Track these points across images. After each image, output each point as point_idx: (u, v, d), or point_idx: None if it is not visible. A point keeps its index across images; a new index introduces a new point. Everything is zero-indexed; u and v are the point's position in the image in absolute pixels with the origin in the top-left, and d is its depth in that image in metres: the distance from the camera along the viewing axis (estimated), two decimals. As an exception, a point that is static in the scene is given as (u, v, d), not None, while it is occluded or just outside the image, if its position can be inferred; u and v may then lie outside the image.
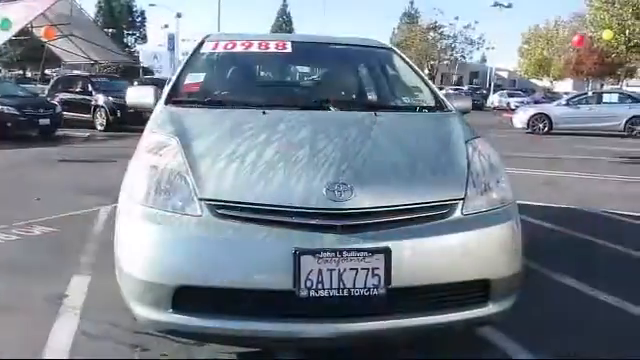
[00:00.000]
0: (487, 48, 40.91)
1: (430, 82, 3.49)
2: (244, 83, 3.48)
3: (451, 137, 2.72)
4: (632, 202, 6.35)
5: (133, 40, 54.19)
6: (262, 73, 3.72)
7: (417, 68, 3.60)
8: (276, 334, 2.14)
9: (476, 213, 2.32)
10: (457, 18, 41.00)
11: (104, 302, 3.08)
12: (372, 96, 3.54)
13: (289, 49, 3.57)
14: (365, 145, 2.50)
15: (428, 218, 2.25)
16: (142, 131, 2.77)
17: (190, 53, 3.54)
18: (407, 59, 3.71)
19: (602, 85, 35.82)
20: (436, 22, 39.77)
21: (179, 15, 42.82)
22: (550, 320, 3.04)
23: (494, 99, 40.53)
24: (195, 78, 3.30)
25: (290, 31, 70.88)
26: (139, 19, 55.49)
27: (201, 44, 3.62)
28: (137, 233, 2.23)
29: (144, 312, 2.24)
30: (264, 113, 2.76)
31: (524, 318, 2.74)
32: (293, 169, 2.29)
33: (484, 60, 62.55)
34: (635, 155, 11.70)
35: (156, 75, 28.60)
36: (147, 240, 2.19)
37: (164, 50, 44.04)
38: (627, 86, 34.10)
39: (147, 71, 27.00)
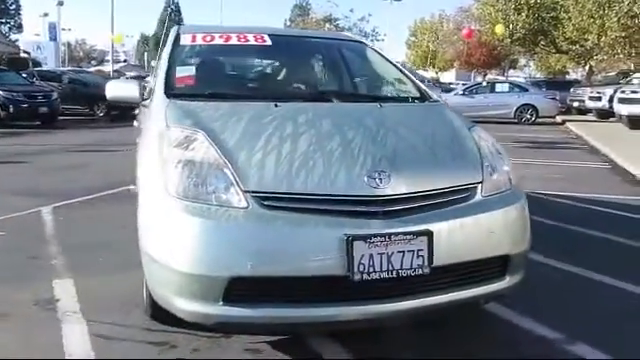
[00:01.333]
0: (377, 40, 42.14)
1: (409, 73, 3.67)
2: (242, 76, 3.47)
3: (454, 125, 2.91)
4: (544, 183, 6.95)
5: (7, 29, 50.15)
6: (254, 66, 3.71)
7: (392, 60, 3.78)
8: (332, 318, 2.22)
9: (492, 195, 2.53)
10: (352, 10, 41.99)
11: (101, 304, 3.01)
12: (366, 88, 3.65)
13: (269, 42, 3.60)
14: (388, 134, 2.63)
15: (456, 201, 2.42)
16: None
17: (170, 46, 3.45)
18: (380, 52, 3.87)
19: (485, 75, 38.19)
20: (331, 14, 40.35)
21: (61, 3, 40.24)
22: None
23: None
24: (184, 71, 3.24)
25: (179, 21, 69.19)
26: (13, 7, 51.42)
27: (177, 37, 3.56)
28: (182, 228, 2.20)
29: (190, 306, 2.22)
30: (276, 106, 2.79)
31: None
32: (331, 159, 2.37)
33: (375, 52, 64.27)
34: (532, 140, 12.74)
35: (45, 67, 26.69)
36: (195, 234, 2.17)
37: (45, 40, 41.27)
38: (507, 77, 36.76)
39: (35, 63, 25.13)
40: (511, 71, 44.48)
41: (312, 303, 2.21)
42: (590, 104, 19.31)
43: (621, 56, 24.52)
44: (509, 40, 25.26)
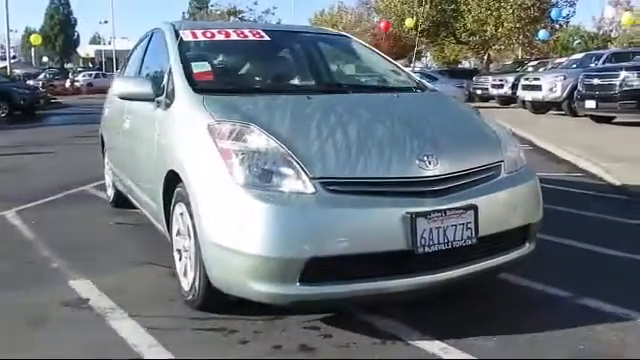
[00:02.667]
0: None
1: (398, 64, 3.93)
2: (258, 71, 3.57)
3: (465, 111, 3.21)
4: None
5: None
6: (265, 61, 3.80)
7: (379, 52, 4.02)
8: (399, 289, 2.43)
9: (513, 172, 2.85)
10: (256, 3, 41.95)
11: (133, 300, 3.02)
12: (375, 79, 3.85)
13: (266, 37, 3.73)
14: (420, 121, 2.87)
15: (488, 178, 2.72)
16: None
17: (174, 43, 3.46)
18: (366, 44, 4.10)
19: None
20: (235, 7, 40.14)
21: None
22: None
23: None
24: (200, 67, 3.30)
25: (69, 15, 65.58)
26: None
27: (176, 33, 3.59)
28: (259, 215, 2.32)
29: (268, 288, 2.36)
30: (309, 98, 2.95)
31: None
32: (382, 145, 2.58)
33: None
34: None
35: None
36: (273, 220, 2.30)
37: None
38: (414, 67, 38.16)
39: None
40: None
41: (380, 277, 2.42)
42: (493, 91, 20.61)
43: (516, 45, 26.34)
44: (414, 32, 26.38)
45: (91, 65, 65.16)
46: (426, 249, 2.41)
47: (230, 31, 3.72)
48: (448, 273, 2.52)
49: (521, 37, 25.08)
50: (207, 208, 2.51)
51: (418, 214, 2.39)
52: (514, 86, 18.47)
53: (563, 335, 2.59)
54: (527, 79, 16.26)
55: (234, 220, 2.39)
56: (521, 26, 24.37)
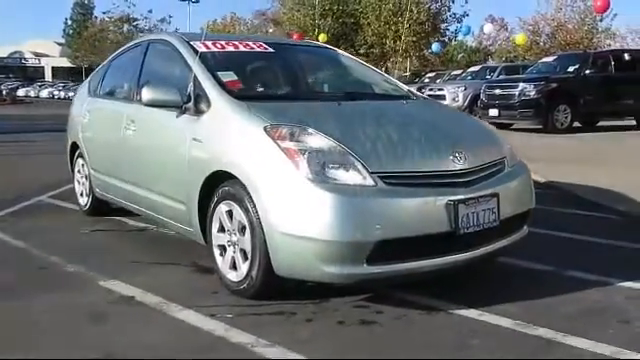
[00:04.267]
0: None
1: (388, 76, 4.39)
2: (280, 80, 3.84)
3: (463, 114, 3.72)
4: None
5: None
6: (283, 71, 4.06)
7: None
8: (445, 265, 2.87)
9: (513, 166, 3.38)
10: (151, 11, 41.14)
11: (178, 294, 3.18)
12: (379, 88, 4.22)
13: (270, 49, 4.05)
14: (440, 123, 3.34)
15: (499, 171, 3.22)
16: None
17: (191, 53, 3.67)
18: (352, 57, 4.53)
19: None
20: (129, 14, 39.04)
21: None
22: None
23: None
24: (227, 76, 3.54)
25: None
26: None
27: (189, 44, 3.81)
28: (331, 205, 2.65)
29: (338, 269, 2.70)
30: (339, 104, 3.32)
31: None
32: (421, 144, 3.02)
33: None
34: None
35: None
36: (344, 209, 2.65)
37: None
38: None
39: None
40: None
41: (430, 255, 2.83)
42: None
43: (413, 58, 28.01)
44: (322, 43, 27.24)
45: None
46: (465, 230, 2.86)
47: (236, 42, 3.99)
48: (478, 251, 2.99)
49: (417, 51, 26.76)
50: (275, 202, 2.79)
51: (459, 201, 2.83)
52: (417, 96, 19.69)
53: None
54: (432, 89, 17.47)
55: (306, 211, 2.70)
56: (417, 40, 26.06)
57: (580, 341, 2.59)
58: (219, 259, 3.25)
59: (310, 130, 2.89)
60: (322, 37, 25.73)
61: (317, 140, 2.85)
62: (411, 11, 25.19)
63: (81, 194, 5.30)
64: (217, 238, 3.25)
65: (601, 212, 5.19)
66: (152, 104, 3.52)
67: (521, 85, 12.91)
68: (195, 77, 3.49)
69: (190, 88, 3.48)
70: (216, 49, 3.84)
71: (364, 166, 2.77)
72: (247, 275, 3.01)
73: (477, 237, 2.95)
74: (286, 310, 2.97)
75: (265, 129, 2.94)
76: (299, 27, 27.84)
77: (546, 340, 2.63)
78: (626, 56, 13.61)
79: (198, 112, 3.40)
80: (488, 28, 30.33)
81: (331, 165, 2.76)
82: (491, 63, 40.61)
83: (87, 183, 5.10)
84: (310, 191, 2.70)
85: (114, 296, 3.22)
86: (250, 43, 4.05)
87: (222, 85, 3.39)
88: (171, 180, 3.61)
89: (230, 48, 3.90)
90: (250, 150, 2.97)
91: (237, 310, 2.98)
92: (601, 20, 33.82)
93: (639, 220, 4.87)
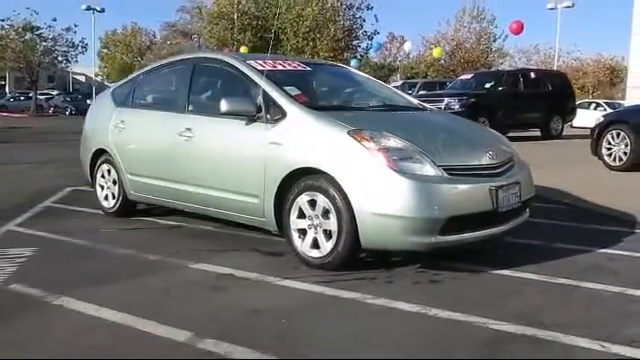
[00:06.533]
0: (84, 52, 40.65)
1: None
2: (329, 93, 4.60)
3: (473, 122, 4.67)
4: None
5: None
6: (326, 85, 4.81)
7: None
8: (488, 236, 3.80)
9: (518, 161, 4.37)
10: (55, 20, 39.56)
11: (269, 271, 3.81)
12: (401, 100, 5.05)
13: (308, 67, 4.84)
14: (466, 128, 4.28)
15: (513, 165, 4.18)
16: None
17: (253, 71, 4.37)
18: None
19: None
20: (30, 22, 37.31)
21: None
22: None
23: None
24: (292, 91, 4.25)
25: None
26: None
27: (245, 63, 4.50)
28: (416, 191, 3.47)
29: (419, 239, 3.53)
30: (393, 114, 4.16)
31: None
32: (466, 144, 3.93)
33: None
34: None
35: None
36: (426, 193, 3.49)
37: None
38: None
39: None
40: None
41: (479, 228, 3.73)
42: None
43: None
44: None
45: None
46: (502, 209, 3.78)
47: (279, 62, 4.72)
48: (509, 224, 3.94)
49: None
50: (365, 190, 3.56)
51: (498, 187, 3.76)
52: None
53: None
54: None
55: (393, 195, 3.50)
56: (334, 55, 27.32)
57: (596, 285, 3.59)
58: (298, 241, 3.95)
59: (385, 133, 3.70)
60: (243, 50, 26.36)
61: (393, 141, 3.66)
62: (328, 28, 26.52)
63: (105, 197, 5.69)
64: (296, 223, 3.94)
65: (554, 204, 6.35)
66: (228, 113, 4.16)
67: (446, 99, 14.32)
68: (264, 91, 4.18)
69: (260, 100, 4.17)
70: (269, 67, 4.53)
71: (432, 161, 3.62)
72: (332, 250, 3.74)
73: (508, 214, 3.89)
74: (366, 277, 3.74)
75: (349, 133, 3.71)
76: (218, 40, 28.32)
77: (570, 286, 3.59)
78: (532, 75, 15.54)
79: (271, 120, 4.09)
80: (408, 46, 32.36)
81: (408, 160, 3.59)
82: (397, 78, 43.09)
83: (116, 187, 5.52)
84: (396, 180, 3.50)
85: (214, 274, 3.82)
86: (289, 62, 4.79)
87: (293, 98, 4.12)
88: (243, 177, 4.24)
89: (279, 67, 4.61)
90: (337, 150, 3.72)
91: (327, 278, 3.70)
92: (494, 41, 37.11)
93: (583, 209, 6.07)
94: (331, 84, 5.05)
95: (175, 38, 47.04)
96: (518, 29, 20.67)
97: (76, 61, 40.77)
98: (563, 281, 3.67)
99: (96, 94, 47.07)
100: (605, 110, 23.80)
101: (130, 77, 5.85)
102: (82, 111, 36.87)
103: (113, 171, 5.55)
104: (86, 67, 60.01)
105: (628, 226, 5.25)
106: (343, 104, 4.59)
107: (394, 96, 5.08)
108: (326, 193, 3.72)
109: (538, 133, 16.10)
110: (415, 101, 5.08)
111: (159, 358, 2.61)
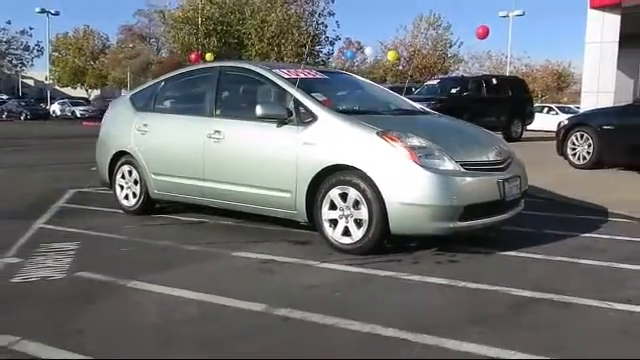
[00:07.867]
0: (40, 56, 39.95)
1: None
2: (350, 99, 5.12)
3: (474, 125, 5.27)
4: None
5: None
6: (344, 91, 5.35)
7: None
8: (496, 222, 4.41)
9: (514, 158, 4.99)
10: (9, 22, 38.85)
11: (306, 257, 4.30)
12: (407, 105, 5.62)
13: (326, 76, 5.37)
14: (472, 129, 4.87)
15: (512, 161, 4.80)
16: None
17: (282, 79, 4.87)
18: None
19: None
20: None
21: None
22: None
23: (55, 108, 40.64)
24: (320, 96, 4.76)
25: None
26: None
27: (272, 72, 4.99)
28: (439, 183, 4.03)
29: (443, 225, 4.10)
30: (412, 117, 4.73)
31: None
32: (477, 143, 4.53)
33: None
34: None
35: None
36: (448, 185, 4.06)
37: None
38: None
39: None
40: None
41: (490, 215, 4.33)
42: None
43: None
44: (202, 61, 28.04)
45: None
46: (507, 199, 4.40)
47: (299, 71, 5.21)
48: (511, 212, 4.56)
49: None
50: (395, 182, 4.10)
51: (504, 179, 4.37)
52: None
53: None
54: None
55: (421, 187, 4.05)
56: (299, 60, 27.79)
57: (589, 261, 4.24)
58: (329, 230, 4.45)
59: (409, 134, 4.26)
60: (209, 56, 26.55)
61: (417, 140, 4.22)
62: (292, 34, 27.05)
63: (126, 197, 6.02)
64: (328, 214, 4.45)
65: (533, 198, 7.04)
66: (263, 117, 4.64)
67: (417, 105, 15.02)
68: (295, 98, 4.68)
69: (291, 105, 4.66)
70: (294, 76, 5.01)
71: (451, 157, 4.19)
72: (364, 237, 4.26)
73: (512, 204, 4.51)
74: (393, 259, 4.28)
75: (378, 134, 4.24)
76: (183, 45, 28.45)
77: (568, 262, 4.23)
78: (494, 81, 16.49)
79: (302, 123, 4.59)
80: (368, 51, 33.25)
81: (430, 156, 4.15)
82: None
83: (138, 186, 5.87)
84: (421, 174, 4.06)
85: (257, 260, 4.28)
86: (307, 71, 5.30)
87: (321, 103, 4.63)
88: (275, 174, 4.71)
89: (302, 75, 5.10)
90: (368, 148, 4.25)
91: (359, 262, 4.21)
92: (450, 47, 38.48)
93: (560, 202, 6.78)
94: (346, 90, 5.58)
95: (133, 41, 46.64)
96: (484, 33, 21.82)
97: (32, 65, 40.00)
98: (561, 259, 4.31)
99: (51, 98, 46.46)
100: (557, 114, 25.22)
101: (149, 84, 6.22)
102: (38, 116, 36.38)
103: (135, 172, 5.89)
104: (35, 70, 58.76)
105: (602, 215, 5.97)
106: (362, 108, 5.12)
107: (400, 101, 5.66)
108: (357, 186, 4.24)
109: (500, 135, 17.03)
110: (418, 106, 5.66)
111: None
